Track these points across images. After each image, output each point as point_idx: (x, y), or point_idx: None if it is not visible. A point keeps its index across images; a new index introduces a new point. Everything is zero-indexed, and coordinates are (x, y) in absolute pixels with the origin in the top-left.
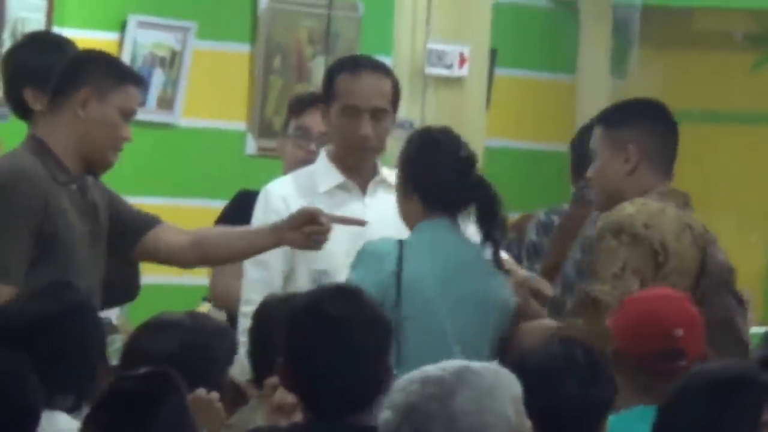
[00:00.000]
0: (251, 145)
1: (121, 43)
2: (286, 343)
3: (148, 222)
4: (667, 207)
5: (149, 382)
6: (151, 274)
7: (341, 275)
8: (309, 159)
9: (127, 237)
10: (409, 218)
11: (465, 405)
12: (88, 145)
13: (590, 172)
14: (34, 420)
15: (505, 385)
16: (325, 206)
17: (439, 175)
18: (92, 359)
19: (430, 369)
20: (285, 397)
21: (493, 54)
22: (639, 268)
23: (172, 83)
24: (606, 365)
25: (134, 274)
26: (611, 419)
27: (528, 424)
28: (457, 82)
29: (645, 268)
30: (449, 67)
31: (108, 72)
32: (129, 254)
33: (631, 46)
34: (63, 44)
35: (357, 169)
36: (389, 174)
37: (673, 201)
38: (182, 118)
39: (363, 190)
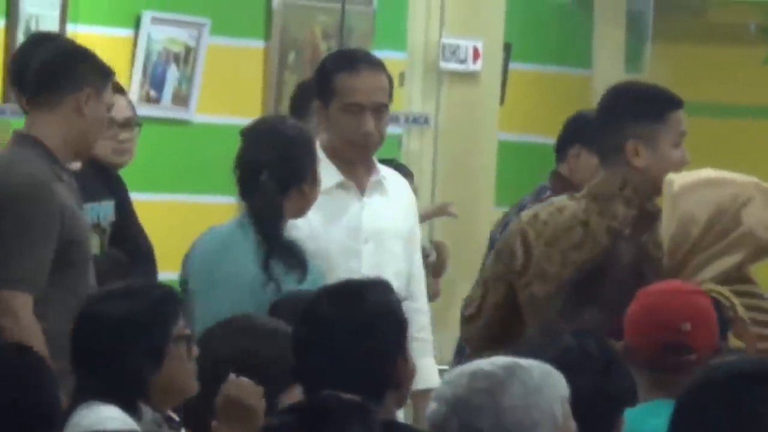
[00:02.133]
0: None
1: (135, 40)
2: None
3: None
4: (567, 206)
5: (338, 406)
6: None
7: (338, 273)
8: None
9: None
10: None
11: (513, 400)
12: (83, 142)
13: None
14: (52, 416)
15: (554, 384)
16: (325, 206)
17: None
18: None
19: (481, 363)
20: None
21: (508, 48)
22: (486, 280)
23: (187, 79)
24: (621, 359)
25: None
26: (627, 413)
27: (573, 425)
28: (471, 76)
29: (491, 281)
30: (463, 61)
31: (100, 70)
32: None
33: (645, 40)
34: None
35: (355, 165)
36: (387, 173)
37: (590, 195)
38: (197, 114)
39: (360, 189)
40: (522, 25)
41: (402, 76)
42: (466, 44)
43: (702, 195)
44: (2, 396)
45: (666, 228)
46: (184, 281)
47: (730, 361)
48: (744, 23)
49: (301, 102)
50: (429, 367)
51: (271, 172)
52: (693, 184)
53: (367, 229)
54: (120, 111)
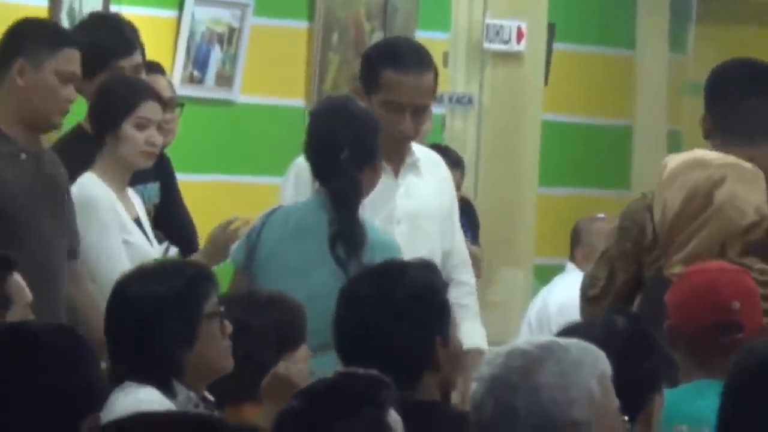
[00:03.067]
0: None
1: (179, 20)
2: None
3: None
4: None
5: (351, 384)
6: None
7: None
8: None
9: None
10: None
11: (548, 378)
12: (30, 113)
13: None
14: (96, 397)
15: (592, 360)
16: None
17: None
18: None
19: (519, 342)
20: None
21: (552, 28)
22: (611, 258)
23: (231, 60)
24: (654, 337)
25: None
26: (667, 393)
27: (615, 403)
28: (515, 56)
29: (617, 260)
30: (507, 42)
31: (41, 39)
32: None
33: (689, 21)
34: (119, 24)
35: (390, 153)
36: (422, 153)
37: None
38: (241, 94)
39: (395, 171)
40: (566, 5)
41: (446, 56)
42: (510, 24)
43: (682, 179)
44: (47, 378)
45: (655, 213)
46: (248, 253)
47: None
48: None
49: None
50: (474, 329)
51: (350, 152)
52: (677, 168)
53: (401, 210)
54: (161, 91)
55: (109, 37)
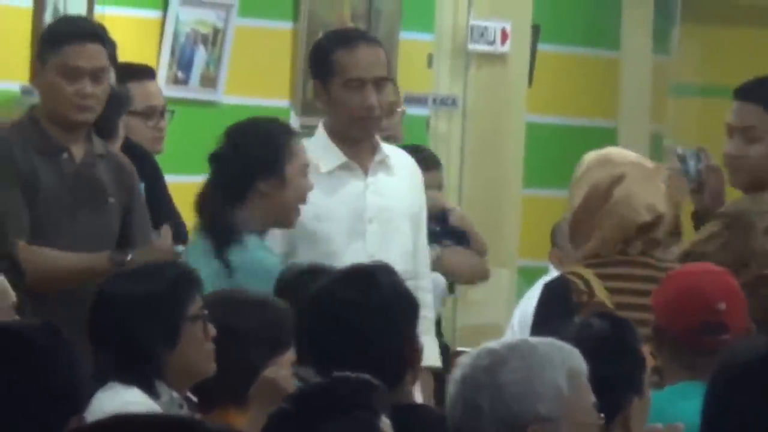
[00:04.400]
0: (294, 122)
1: (163, 21)
2: (298, 330)
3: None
4: None
5: (344, 387)
6: None
7: (342, 256)
8: None
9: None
10: None
11: (512, 375)
12: (48, 112)
13: (732, 149)
14: (80, 397)
15: (561, 357)
16: (325, 186)
17: None
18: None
19: (490, 343)
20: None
21: (536, 30)
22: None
23: (215, 61)
24: (630, 338)
25: None
26: (654, 396)
27: (589, 400)
28: (499, 58)
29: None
30: (491, 43)
31: (46, 39)
32: None
33: (673, 23)
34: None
35: (359, 145)
36: (391, 152)
37: None
38: (225, 95)
39: (365, 169)
40: (550, 6)
41: (430, 57)
42: (495, 26)
43: (587, 177)
44: (31, 378)
45: (568, 212)
46: None
47: (760, 342)
48: None
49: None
50: (429, 345)
51: (215, 188)
52: (586, 166)
53: (372, 209)
54: (158, 98)
55: None
